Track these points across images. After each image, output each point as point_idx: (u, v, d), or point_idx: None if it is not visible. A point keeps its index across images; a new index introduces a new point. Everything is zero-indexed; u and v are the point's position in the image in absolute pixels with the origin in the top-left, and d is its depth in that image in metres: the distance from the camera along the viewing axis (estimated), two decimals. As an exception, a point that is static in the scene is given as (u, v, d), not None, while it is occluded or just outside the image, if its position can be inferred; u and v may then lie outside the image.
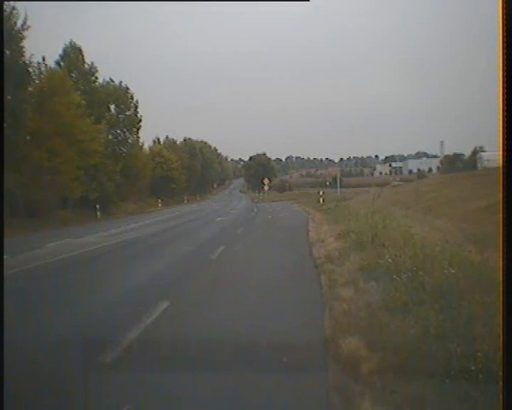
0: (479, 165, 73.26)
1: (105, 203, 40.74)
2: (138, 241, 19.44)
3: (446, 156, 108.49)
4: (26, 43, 29.36)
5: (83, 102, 36.35)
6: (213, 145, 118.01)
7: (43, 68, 34.94)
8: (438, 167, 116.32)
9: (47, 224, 28.88)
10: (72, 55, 41.69)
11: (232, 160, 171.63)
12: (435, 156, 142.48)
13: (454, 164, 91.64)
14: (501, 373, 2.53)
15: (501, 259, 2.52)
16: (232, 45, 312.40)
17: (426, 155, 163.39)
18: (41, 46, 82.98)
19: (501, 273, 2.52)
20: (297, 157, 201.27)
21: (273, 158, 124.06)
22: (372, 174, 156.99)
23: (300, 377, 4.77)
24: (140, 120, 50.12)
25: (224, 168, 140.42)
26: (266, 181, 64.89)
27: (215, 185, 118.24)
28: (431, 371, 4.28)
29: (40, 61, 34.45)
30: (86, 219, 34.73)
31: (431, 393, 3.99)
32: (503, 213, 2.51)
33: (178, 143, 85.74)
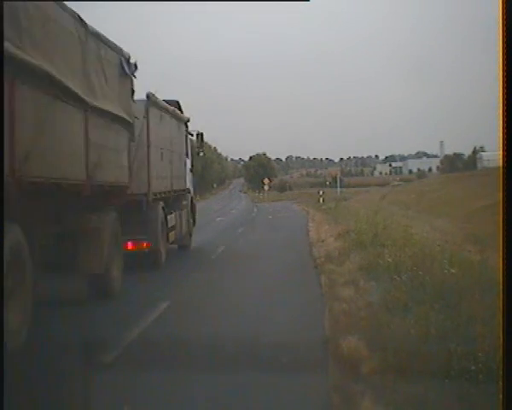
0: (479, 165, 73.34)
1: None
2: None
3: (446, 156, 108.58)
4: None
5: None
6: (213, 145, 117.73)
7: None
8: (438, 167, 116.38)
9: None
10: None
11: (232, 160, 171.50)
12: (435, 156, 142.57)
13: (454, 164, 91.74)
14: (501, 373, 2.53)
15: (501, 259, 2.52)
16: (232, 45, 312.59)
17: (426, 154, 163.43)
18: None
19: (501, 273, 2.52)
20: (297, 157, 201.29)
21: (273, 158, 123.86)
22: (372, 174, 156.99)
23: (300, 376, 4.77)
24: (140, 120, 50.06)
25: (223, 168, 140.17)
26: (266, 181, 64.84)
27: (215, 185, 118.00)
28: (431, 371, 4.28)
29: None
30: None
31: (431, 393, 3.99)
32: (503, 213, 2.51)
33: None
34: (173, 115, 12.92)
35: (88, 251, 7.41)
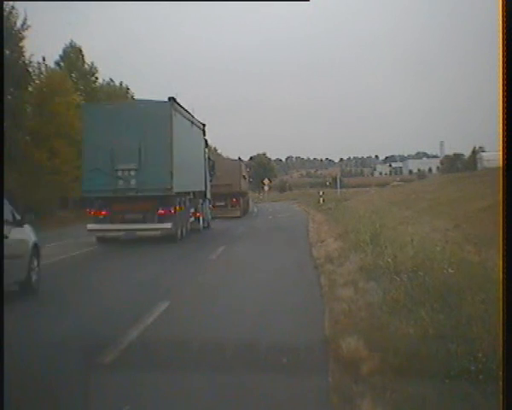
0: (479, 165, 73.17)
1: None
2: (141, 241, 19.38)
3: (446, 156, 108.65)
4: (26, 43, 29.55)
5: (83, 102, 36.28)
6: (213, 145, 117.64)
7: (43, 68, 35.02)
8: (438, 167, 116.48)
9: (47, 224, 28.82)
10: (73, 55, 41.57)
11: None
12: (435, 156, 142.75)
13: (454, 164, 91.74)
14: (501, 373, 2.53)
15: (501, 259, 2.52)
16: (232, 45, 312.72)
17: (426, 155, 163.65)
18: (41, 46, 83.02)
19: (501, 273, 2.52)
20: (297, 157, 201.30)
21: (273, 158, 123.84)
22: (372, 174, 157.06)
23: (300, 377, 4.77)
24: (140, 121, 50.31)
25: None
26: (266, 181, 64.76)
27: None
28: (431, 371, 4.27)
29: (40, 61, 34.68)
30: (86, 219, 34.55)
31: (431, 393, 3.99)
32: (503, 214, 2.51)
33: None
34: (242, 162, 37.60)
35: (244, 202, 36.76)
